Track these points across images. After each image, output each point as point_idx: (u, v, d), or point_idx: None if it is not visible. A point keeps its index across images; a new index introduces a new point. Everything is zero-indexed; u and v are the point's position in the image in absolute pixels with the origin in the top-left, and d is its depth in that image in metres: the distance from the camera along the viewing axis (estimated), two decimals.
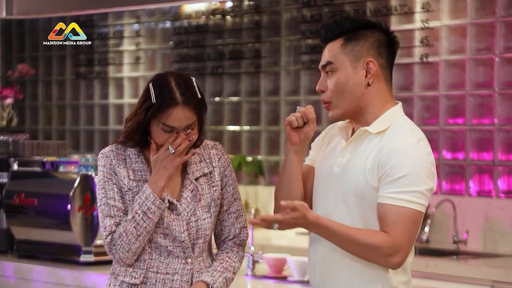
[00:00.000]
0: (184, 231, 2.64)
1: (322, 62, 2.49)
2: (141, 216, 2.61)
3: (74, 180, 4.35)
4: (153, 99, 2.61)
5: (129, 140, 2.69)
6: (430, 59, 5.28)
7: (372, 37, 2.47)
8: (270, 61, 6.12)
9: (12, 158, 4.86)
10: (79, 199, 4.31)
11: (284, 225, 2.35)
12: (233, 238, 2.78)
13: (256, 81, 6.19)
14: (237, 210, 2.78)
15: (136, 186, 2.66)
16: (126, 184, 2.66)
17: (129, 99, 6.81)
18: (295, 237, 5.68)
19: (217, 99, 6.39)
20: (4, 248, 4.76)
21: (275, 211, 2.59)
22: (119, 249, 2.63)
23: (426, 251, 4.93)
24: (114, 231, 2.64)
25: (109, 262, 3.44)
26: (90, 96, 7.11)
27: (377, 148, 2.41)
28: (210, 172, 2.73)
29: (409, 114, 5.34)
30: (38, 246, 4.54)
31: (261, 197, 6.10)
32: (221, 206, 2.75)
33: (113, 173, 2.68)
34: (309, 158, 2.61)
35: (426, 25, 5.31)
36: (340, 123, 2.58)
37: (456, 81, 5.19)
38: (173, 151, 2.62)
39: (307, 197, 2.56)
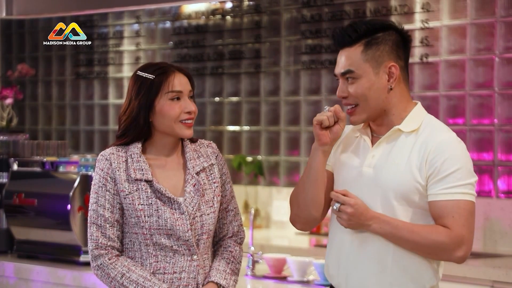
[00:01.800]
0: (188, 230, 2.63)
1: (341, 69, 2.48)
2: None
3: (74, 180, 4.35)
4: (151, 76, 2.67)
5: (130, 135, 2.67)
6: (430, 59, 5.28)
7: (391, 40, 2.47)
8: (270, 61, 6.12)
9: (12, 158, 4.86)
10: (79, 199, 4.31)
11: (346, 210, 2.35)
12: (232, 236, 2.79)
13: (256, 81, 6.19)
14: (234, 208, 2.80)
15: (137, 190, 2.64)
16: (127, 188, 2.64)
17: None
18: (295, 237, 5.68)
19: (217, 99, 6.39)
20: (4, 248, 4.76)
21: (294, 217, 2.58)
22: (100, 276, 2.67)
23: None
24: (104, 249, 2.64)
25: None
26: (90, 96, 7.11)
27: (417, 145, 2.44)
28: (210, 168, 2.73)
29: None
30: (38, 246, 4.54)
31: (261, 197, 6.10)
32: (221, 203, 2.75)
33: (109, 179, 2.66)
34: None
35: (426, 25, 5.31)
36: (351, 126, 2.59)
37: (456, 81, 5.19)
38: None
39: (327, 203, 2.56)
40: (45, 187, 4.55)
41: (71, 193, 4.31)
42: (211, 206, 2.69)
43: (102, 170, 2.67)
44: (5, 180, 4.81)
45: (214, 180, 2.72)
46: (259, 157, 6.14)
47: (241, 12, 6.25)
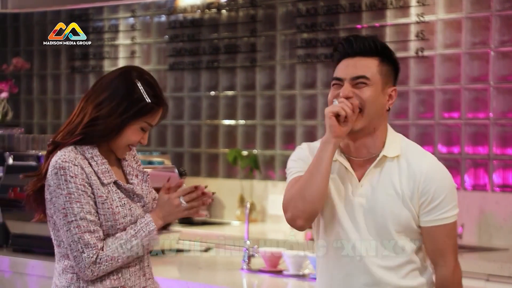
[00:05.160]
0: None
1: (353, 73, 2.49)
2: (140, 249, 2.59)
3: None
4: (147, 99, 2.58)
5: (90, 135, 2.59)
6: (426, 53, 5.28)
7: (394, 66, 2.56)
8: (266, 55, 6.12)
9: (7, 152, 4.85)
10: None
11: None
12: None
13: (251, 75, 6.19)
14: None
15: (109, 192, 2.60)
16: (104, 193, 2.59)
17: None
18: (291, 231, 5.68)
19: (212, 93, 6.39)
20: (0, 242, 4.75)
21: (298, 213, 2.50)
22: (102, 269, 2.57)
23: None
24: (101, 248, 2.56)
25: None
26: (85, 90, 7.06)
27: (404, 173, 2.50)
28: (133, 156, 2.76)
29: (405, 108, 5.35)
30: (34, 240, 4.54)
31: (256, 191, 6.11)
32: None
33: (86, 184, 2.56)
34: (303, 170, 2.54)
35: (422, 19, 5.30)
36: (308, 154, 2.56)
37: (452, 75, 5.20)
38: (185, 204, 2.60)
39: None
40: None
41: None
42: (151, 193, 2.75)
43: (77, 177, 2.55)
44: (0, 174, 4.80)
45: (145, 172, 2.75)
46: (255, 151, 6.14)
47: (236, 6, 6.24)
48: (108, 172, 2.61)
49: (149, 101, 2.58)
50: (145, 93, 2.58)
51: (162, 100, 2.62)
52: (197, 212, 2.64)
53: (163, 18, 6.64)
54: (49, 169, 2.58)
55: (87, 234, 2.55)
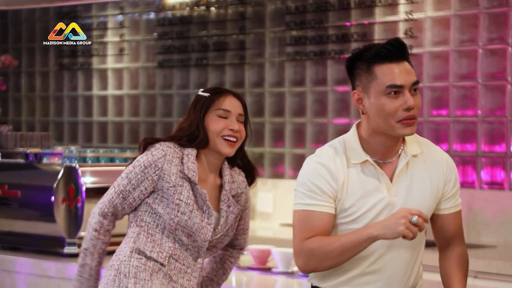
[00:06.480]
0: (206, 241, 2.81)
1: (412, 80, 2.44)
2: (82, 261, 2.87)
3: (58, 172, 4.33)
4: (206, 94, 2.87)
5: (187, 141, 2.82)
6: (414, 50, 5.29)
7: None
8: (255, 52, 6.12)
9: None
10: (62, 191, 4.30)
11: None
12: (237, 247, 3.04)
13: (240, 72, 6.19)
14: (248, 228, 3.03)
15: (181, 185, 2.77)
16: (173, 180, 2.76)
17: (113, 91, 6.79)
18: (279, 228, 5.68)
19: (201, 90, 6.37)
20: None
21: (310, 270, 2.52)
22: (88, 222, 2.87)
23: None
24: (101, 215, 2.82)
25: None
26: (74, 88, 7.08)
27: (430, 167, 2.52)
28: (239, 195, 2.94)
29: None
30: (22, 238, 4.53)
31: None
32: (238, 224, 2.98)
33: (154, 166, 2.78)
34: (327, 205, 2.47)
35: (410, 16, 5.32)
36: (331, 152, 2.51)
37: (440, 73, 5.21)
38: None
39: None
40: (29, 178, 4.54)
41: (55, 185, 4.30)
42: (233, 229, 2.91)
43: (153, 156, 2.79)
44: None
45: (238, 207, 2.91)
46: None
47: (225, 3, 6.24)
48: (194, 171, 2.79)
49: (208, 94, 2.86)
50: (203, 93, 2.89)
51: (221, 89, 2.91)
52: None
53: (152, 15, 6.63)
54: None
55: (113, 196, 2.82)
